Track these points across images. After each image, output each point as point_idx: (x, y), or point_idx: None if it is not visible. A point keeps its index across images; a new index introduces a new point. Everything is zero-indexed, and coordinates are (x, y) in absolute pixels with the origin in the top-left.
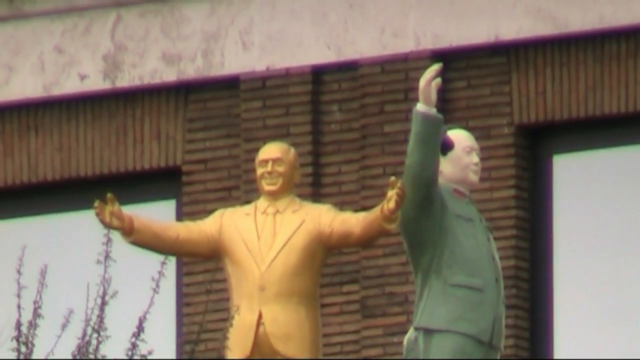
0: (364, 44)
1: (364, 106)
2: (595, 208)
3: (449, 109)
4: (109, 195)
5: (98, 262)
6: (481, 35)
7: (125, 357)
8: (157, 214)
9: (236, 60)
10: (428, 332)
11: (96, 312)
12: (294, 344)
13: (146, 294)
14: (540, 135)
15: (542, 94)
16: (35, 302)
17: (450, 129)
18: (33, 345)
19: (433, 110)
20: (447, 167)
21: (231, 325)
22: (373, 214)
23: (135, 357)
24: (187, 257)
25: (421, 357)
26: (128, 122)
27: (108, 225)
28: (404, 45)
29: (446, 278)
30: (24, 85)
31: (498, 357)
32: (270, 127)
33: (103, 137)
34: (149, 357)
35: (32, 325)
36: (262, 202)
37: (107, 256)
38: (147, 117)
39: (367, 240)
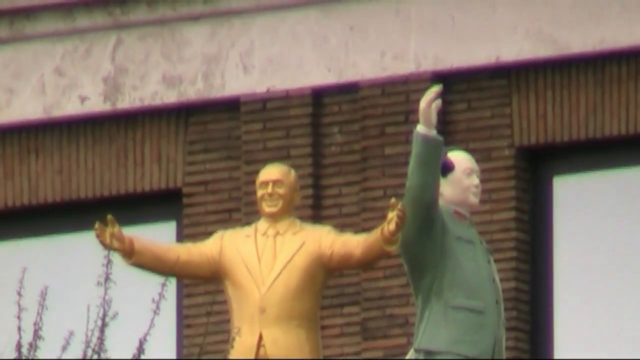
0: (365, 66)
1: (364, 128)
2: (595, 230)
3: (449, 130)
4: (109, 217)
5: (98, 284)
6: (482, 58)
7: None
8: (157, 236)
9: (237, 82)
10: (428, 353)
11: (96, 333)
12: None
13: (146, 315)
14: (541, 157)
15: (542, 116)
16: (35, 324)
17: (450, 150)
18: None
19: (433, 132)
20: (447, 189)
21: (232, 347)
22: (373, 236)
23: None
24: (187, 279)
25: None
26: (129, 144)
27: (108, 247)
28: (405, 67)
29: (447, 300)
30: (25, 107)
31: None
32: (270, 149)
33: (103, 159)
34: None
35: (33, 347)
36: (262, 224)
37: (107, 278)
38: (147, 139)
39: (368, 263)
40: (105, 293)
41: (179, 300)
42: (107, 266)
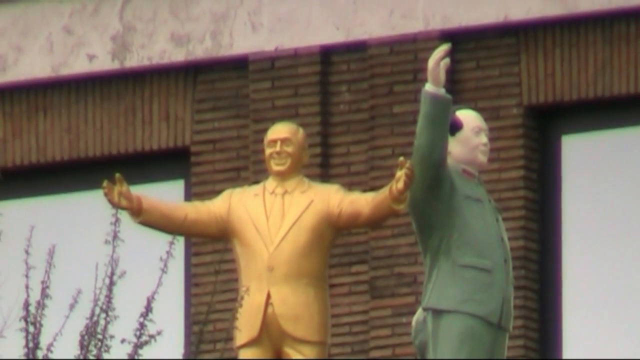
0: (373, 24)
1: (372, 87)
2: (603, 188)
3: (457, 89)
4: (117, 175)
5: (106, 242)
6: (490, 16)
7: (134, 337)
8: (165, 195)
9: (245, 41)
10: (437, 312)
11: (104, 292)
12: (303, 324)
13: (154, 274)
14: (549, 116)
15: (551, 75)
16: (43, 283)
17: (459, 109)
18: (41, 325)
19: (442, 91)
20: (455, 147)
21: (240, 305)
22: (382, 195)
23: (144, 337)
24: (195, 237)
25: (430, 338)
26: (137, 103)
27: (116, 206)
28: (413, 26)
29: (455, 259)
30: (33, 66)
31: (507, 339)
32: (279, 107)
33: (111, 117)
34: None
35: (40, 305)
36: (270, 183)
37: (115, 236)
38: (155, 98)
39: (376, 221)
40: (113, 251)
41: (187, 259)
42: (115, 225)
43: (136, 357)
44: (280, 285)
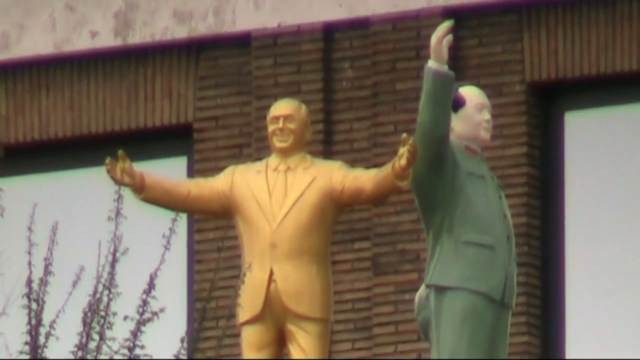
0: (376, 1)
1: (375, 64)
2: (606, 165)
3: (460, 66)
4: (120, 152)
5: (109, 219)
6: None
7: (136, 314)
8: (168, 171)
9: (247, 17)
10: (439, 289)
11: (107, 269)
12: (305, 301)
13: (157, 251)
14: (552, 92)
15: (554, 52)
16: (46, 259)
17: (461, 86)
18: (44, 302)
19: (444, 68)
20: (458, 124)
21: (243, 282)
22: (384, 171)
23: (146, 315)
24: (198, 214)
25: (432, 315)
26: (139, 80)
27: (119, 182)
28: (416, 2)
29: (458, 236)
30: (35, 43)
31: (510, 315)
32: (281, 84)
33: (114, 94)
34: (160, 315)
35: (43, 282)
36: (273, 160)
37: (118, 213)
38: (158, 75)
39: (379, 198)
40: (116, 228)
41: (189, 236)
42: (117, 201)
43: (139, 334)
44: (283, 262)
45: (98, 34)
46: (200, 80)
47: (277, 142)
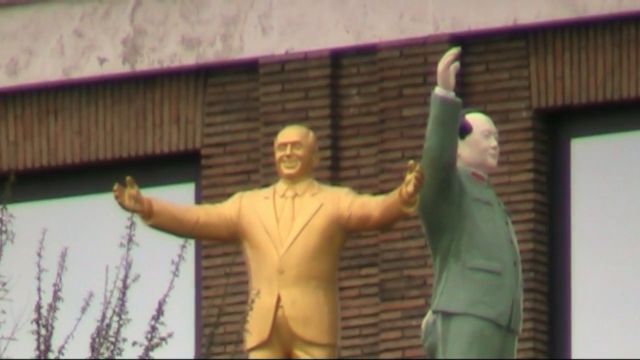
0: (383, 28)
1: (382, 90)
2: (613, 191)
3: (467, 92)
4: (128, 178)
5: (121, 245)
6: (500, 20)
7: (145, 340)
8: (176, 197)
9: (255, 44)
10: (446, 315)
11: (116, 294)
12: (313, 327)
13: (166, 277)
14: (559, 119)
15: (560, 78)
16: (55, 285)
17: (468, 112)
18: (53, 327)
19: (451, 94)
20: (465, 150)
21: (251, 308)
22: (392, 198)
23: (155, 340)
24: (206, 240)
25: (439, 340)
26: (147, 106)
27: (127, 208)
28: (423, 29)
29: (465, 261)
30: (44, 69)
31: (516, 341)
32: (289, 110)
33: (122, 120)
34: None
35: (52, 308)
36: (281, 186)
37: (130, 239)
38: (166, 101)
39: (386, 224)
40: (128, 255)
41: (197, 262)
42: (130, 228)
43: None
44: (290, 288)
45: (106, 60)
46: (208, 106)
47: (285, 169)
